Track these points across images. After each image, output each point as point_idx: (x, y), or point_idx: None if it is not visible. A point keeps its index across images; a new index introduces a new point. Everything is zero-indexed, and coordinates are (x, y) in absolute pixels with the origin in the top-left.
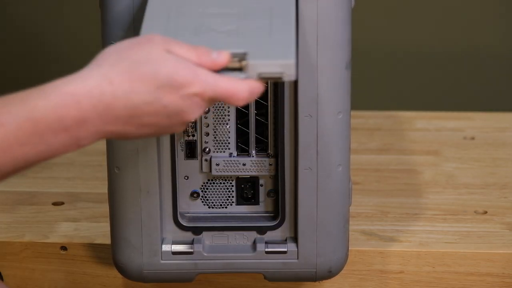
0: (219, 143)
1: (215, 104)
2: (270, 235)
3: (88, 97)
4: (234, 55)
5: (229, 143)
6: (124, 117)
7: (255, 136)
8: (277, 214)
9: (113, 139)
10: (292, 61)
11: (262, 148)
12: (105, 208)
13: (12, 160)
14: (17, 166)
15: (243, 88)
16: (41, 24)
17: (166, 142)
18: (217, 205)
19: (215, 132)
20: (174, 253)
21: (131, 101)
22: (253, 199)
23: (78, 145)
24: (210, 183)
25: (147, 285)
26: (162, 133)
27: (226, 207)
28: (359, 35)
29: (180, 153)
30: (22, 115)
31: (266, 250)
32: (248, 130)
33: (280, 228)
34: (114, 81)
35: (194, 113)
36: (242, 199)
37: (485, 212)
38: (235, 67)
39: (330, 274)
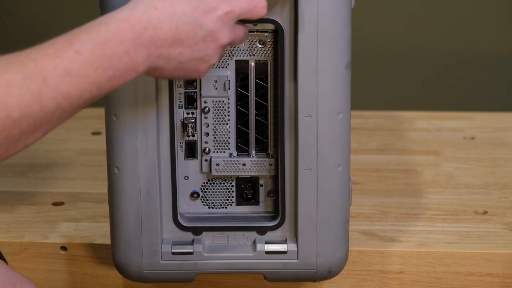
0: (219, 143)
1: (215, 103)
2: (270, 235)
3: (138, 21)
4: None
5: (229, 143)
6: (169, 39)
7: (255, 136)
8: (277, 214)
9: (160, 68)
10: None
11: (262, 148)
12: (105, 208)
13: (89, 86)
14: (92, 92)
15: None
16: (41, 24)
17: (166, 142)
18: (217, 205)
19: (215, 132)
20: (174, 253)
21: (174, 22)
22: (253, 199)
23: (136, 71)
24: (210, 183)
25: (147, 285)
26: (201, 59)
27: (226, 207)
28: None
29: (180, 153)
30: (91, 41)
31: (266, 250)
32: (248, 130)
33: (280, 228)
34: (158, 7)
35: (225, 34)
36: (242, 199)
37: (485, 212)
38: None
39: (330, 274)
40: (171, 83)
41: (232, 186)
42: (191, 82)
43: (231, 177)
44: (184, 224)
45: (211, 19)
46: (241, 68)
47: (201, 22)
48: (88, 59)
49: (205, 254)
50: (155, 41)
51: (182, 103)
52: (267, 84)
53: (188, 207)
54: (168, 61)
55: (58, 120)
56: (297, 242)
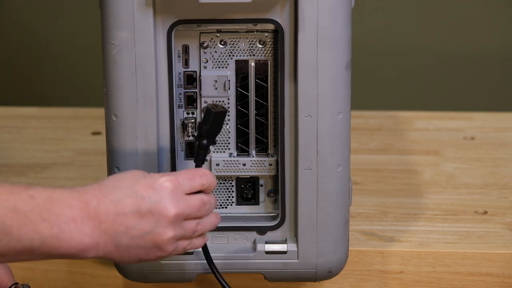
0: (219, 143)
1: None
2: (270, 235)
3: (85, 192)
4: None
5: (229, 143)
6: (111, 213)
7: (255, 136)
8: (277, 214)
9: (111, 247)
10: None
11: (262, 148)
12: None
13: (32, 234)
14: (33, 242)
15: (197, 169)
16: (41, 24)
17: (166, 142)
18: (217, 205)
19: None
20: None
21: (115, 196)
22: (253, 199)
23: (82, 242)
24: None
25: (147, 285)
26: (154, 234)
27: (226, 207)
28: (359, 35)
29: (180, 153)
30: (46, 194)
31: (266, 250)
32: (248, 130)
33: (280, 228)
34: (102, 182)
35: (172, 204)
36: (242, 199)
37: (485, 212)
38: None
39: (330, 274)
40: (171, 83)
41: (232, 186)
42: (191, 82)
43: (231, 177)
44: None
45: (153, 189)
46: (241, 68)
47: (143, 194)
48: (38, 207)
49: None
50: (99, 215)
51: (182, 103)
52: (267, 84)
53: None
54: (117, 239)
55: None
56: (297, 242)
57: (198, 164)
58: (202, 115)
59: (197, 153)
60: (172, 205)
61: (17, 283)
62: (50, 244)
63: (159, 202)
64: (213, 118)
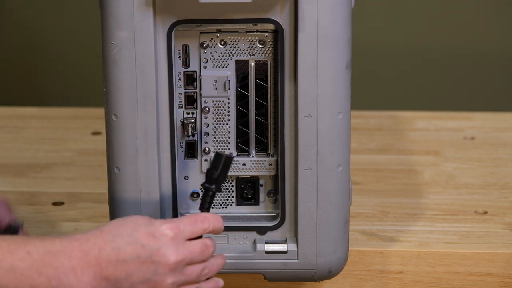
0: (219, 143)
1: (215, 103)
2: (270, 235)
3: (86, 241)
4: None
5: (229, 143)
6: (113, 260)
7: (255, 136)
8: (277, 214)
9: None
10: None
11: (262, 148)
12: (105, 208)
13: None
14: None
15: (199, 214)
16: (41, 24)
17: (166, 142)
18: (217, 205)
19: (215, 132)
20: None
21: (116, 243)
22: (253, 199)
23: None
24: None
25: None
26: (153, 281)
27: (226, 207)
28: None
29: (180, 153)
30: (44, 248)
31: (266, 250)
32: (248, 130)
33: (280, 228)
34: (104, 229)
35: (172, 251)
36: (242, 199)
37: (485, 212)
38: None
39: (330, 274)
40: (171, 83)
41: (232, 186)
42: (191, 82)
43: (231, 177)
44: None
45: (153, 237)
46: (241, 68)
47: (143, 242)
48: (36, 263)
49: None
50: (100, 263)
51: (182, 103)
52: (267, 84)
53: (188, 207)
54: (117, 284)
55: None
56: (297, 242)
57: (204, 210)
58: (203, 116)
59: (204, 198)
60: (172, 252)
61: (13, 220)
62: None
63: (159, 249)
64: (223, 163)
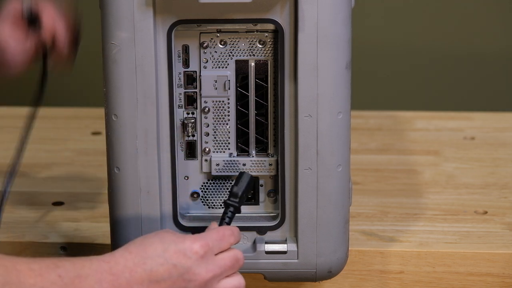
0: (219, 143)
1: (215, 103)
2: (270, 235)
3: (116, 263)
4: None
5: (229, 143)
6: (145, 281)
7: (255, 136)
8: (277, 214)
9: None
10: None
11: (262, 148)
12: (105, 208)
13: None
14: None
15: (225, 229)
16: None
17: (166, 142)
18: (217, 205)
19: (215, 132)
20: None
21: (147, 265)
22: (253, 199)
23: None
24: (210, 183)
25: None
26: None
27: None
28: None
29: (180, 153)
30: (74, 271)
31: (266, 250)
32: (248, 130)
33: (280, 228)
34: (133, 251)
35: (203, 269)
36: None
37: (485, 212)
38: None
39: (330, 274)
40: (171, 83)
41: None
42: (191, 82)
43: (231, 177)
44: (184, 224)
45: (184, 256)
46: (241, 68)
47: (175, 261)
48: (66, 287)
49: None
50: (132, 285)
51: (182, 103)
52: (267, 84)
53: (188, 207)
54: None
55: None
56: (297, 242)
57: (224, 224)
58: (203, 116)
59: (225, 213)
60: (203, 270)
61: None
62: None
63: (191, 268)
64: (248, 181)
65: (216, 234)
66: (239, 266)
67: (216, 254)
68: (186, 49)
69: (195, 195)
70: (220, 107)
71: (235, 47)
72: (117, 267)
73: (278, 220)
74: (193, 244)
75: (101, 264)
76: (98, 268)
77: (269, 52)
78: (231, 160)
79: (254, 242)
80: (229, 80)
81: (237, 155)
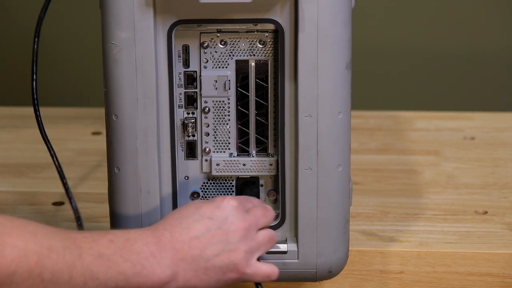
0: (219, 143)
1: (215, 103)
2: None
3: (156, 228)
4: None
5: (229, 143)
6: (186, 240)
7: (255, 136)
8: (277, 214)
9: (191, 274)
10: None
11: (262, 148)
12: (105, 208)
13: (117, 275)
14: (118, 283)
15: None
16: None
17: (166, 142)
18: None
19: (215, 132)
20: None
21: (184, 224)
22: None
23: (164, 274)
24: (210, 183)
25: None
26: (228, 251)
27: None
28: (360, 34)
29: (180, 153)
30: (123, 236)
31: None
32: (248, 130)
33: (280, 228)
34: (169, 215)
35: (240, 218)
36: None
37: (485, 212)
38: None
39: (330, 274)
40: (171, 83)
41: (232, 186)
42: (191, 82)
43: (231, 177)
44: None
45: (218, 209)
46: (241, 68)
47: (210, 215)
48: (119, 250)
49: None
50: (174, 244)
51: (182, 103)
52: (267, 84)
53: None
54: (195, 263)
55: None
56: (297, 242)
57: None
58: (203, 116)
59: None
60: (239, 219)
61: None
62: (135, 282)
63: (227, 218)
64: None
65: (242, 197)
66: (271, 216)
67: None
68: (186, 49)
69: (195, 195)
70: (220, 107)
71: (235, 47)
72: (157, 231)
73: (278, 220)
74: (225, 199)
75: (144, 230)
76: (143, 233)
77: (269, 52)
78: (231, 160)
79: None
80: (229, 80)
81: (237, 155)
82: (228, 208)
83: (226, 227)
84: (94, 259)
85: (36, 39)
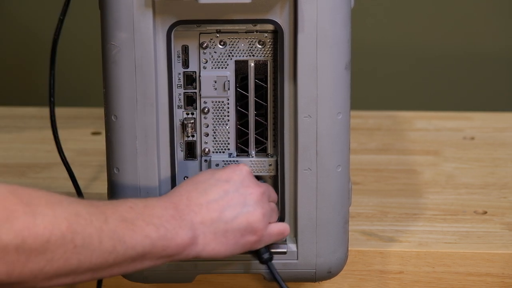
0: (218, 144)
1: (215, 104)
2: None
3: (173, 194)
4: None
5: (228, 143)
6: (203, 203)
7: (255, 136)
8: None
9: (211, 238)
10: None
11: (261, 148)
12: None
13: (142, 239)
14: (145, 247)
15: None
16: (41, 24)
17: (165, 142)
18: None
19: (214, 132)
20: None
21: (201, 189)
22: None
23: (187, 236)
24: None
25: (147, 286)
26: (245, 213)
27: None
28: (359, 35)
29: (180, 154)
30: (142, 203)
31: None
32: (248, 130)
33: None
34: (184, 183)
35: (254, 182)
36: None
37: (485, 212)
38: None
39: (329, 274)
40: (170, 84)
41: None
42: (190, 83)
43: None
44: None
45: (233, 172)
46: (241, 68)
47: (226, 178)
48: (140, 215)
49: None
50: (193, 208)
51: (182, 103)
52: (266, 84)
53: None
54: (214, 226)
55: (110, 267)
56: (297, 242)
57: None
58: (202, 116)
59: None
60: (254, 183)
61: None
62: (160, 245)
63: (243, 181)
64: None
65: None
66: (276, 192)
67: None
68: (185, 49)
69: None
70: (219, 107)
71: (234, 47)
72: (174, 197)
73: (278, 221)
74: (238, 165)
75: (161, 197)
76: (160, 200)
77: (268, 52)
78: (231, 160)
79: None
80: (228, 81)
81: (237, 155)
82: (244, 172)
83: (244, 190)
84: (119, 223)
85: (55, 39)
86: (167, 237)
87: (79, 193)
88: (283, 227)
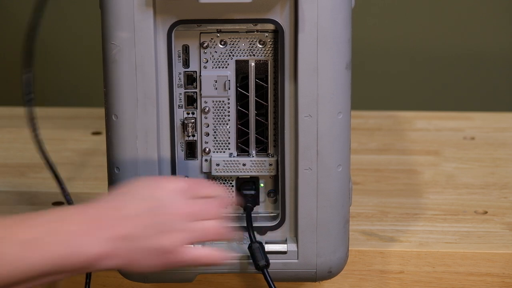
0: (219, 143)
1: (215, 103)
2: (270, 235)
3: (90, 203)
4: None
5: (229, 143)
6: (130, 216)
7: (255, 136)
8: (277, 214)
9: (130, 254)
10: None
11: (262, 148)
12: None
13: (41, 259)
14: (46, 263)
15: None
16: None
17: (166, 142)
18: None
19: (215, 132)
20: None
21: (127, 201)
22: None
23: (99, 245)
24: None
25: (147, 286)
26: (167, 233)
27: (226, 207)
28: (359, 35)
29: (180, 153)
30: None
31: (266, 250)
32: (248, 130)
33: (280, 228)
34: (111, 195)
35: (181, 202)
36: None
37: (485, 212)
38: None
39: (330, 274)
40: (171, 83)
41: (232, 186)
42: (191, 82)
43: (231, 177)
44: None
45: (161, 190)
46: (241, 68)
47: (150, 195)
48: (45, 233)
49: None
50: (108, 222)
51: (182, 103)
52: (267, 84)
53: None
54: (128, 243)
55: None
56: (297, 242)
57: None
58: (203, 116)
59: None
60: (181, 204)
61: None
62: (66, 261)
63: (168, 200)
64: None
65: (193, 180)
66: (222, 215)
67: None
68: (186, 49)
69: None
70: (220, 107)
71: (235, 47)
72: (92, 208)
73: (278, 220)
74: (172, 180)
75: (80, 209)
76: (77, 211)
77: (269, 52)
78: (231, 160)
79: None
80: (229, 80)
81: (237, 155)
82: (172, 190)
83: (165, 210)
84: (16, 246)
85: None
86: (73, 252)
87: (65, 194)
88: (210, 254)
